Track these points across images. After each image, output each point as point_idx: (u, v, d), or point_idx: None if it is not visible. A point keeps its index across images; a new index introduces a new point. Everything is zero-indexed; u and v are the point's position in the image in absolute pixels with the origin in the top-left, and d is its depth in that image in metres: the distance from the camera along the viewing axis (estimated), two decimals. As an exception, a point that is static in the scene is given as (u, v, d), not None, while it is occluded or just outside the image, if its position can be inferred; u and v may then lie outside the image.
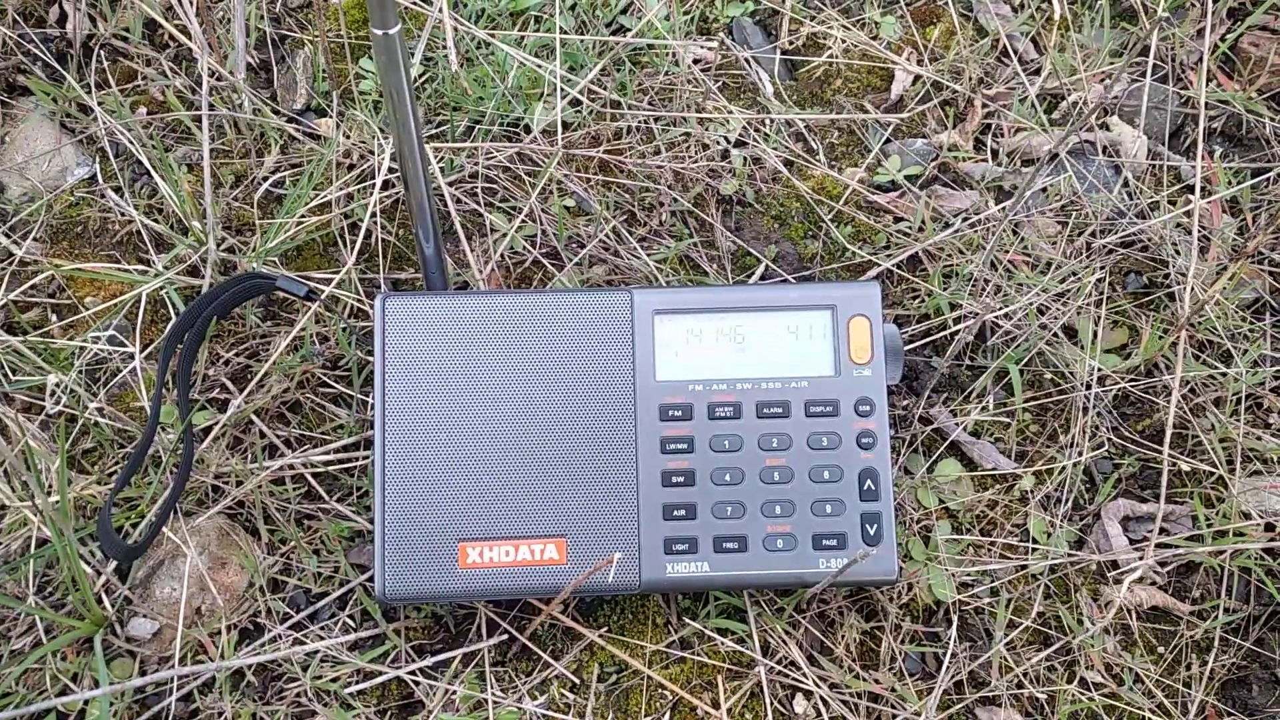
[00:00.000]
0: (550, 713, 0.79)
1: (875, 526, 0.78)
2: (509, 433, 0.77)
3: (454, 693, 0.79)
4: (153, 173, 0.96)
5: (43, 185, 0.98)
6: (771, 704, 0.80)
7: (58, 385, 0.84)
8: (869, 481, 0.78)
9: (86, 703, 0.77)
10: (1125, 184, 1.00)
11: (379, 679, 0.79)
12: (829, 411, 0.79)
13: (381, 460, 0.76)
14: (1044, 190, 1.00)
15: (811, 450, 0.78)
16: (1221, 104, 1.05)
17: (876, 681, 0.80)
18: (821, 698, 0.79)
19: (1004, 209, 0.97)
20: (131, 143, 0.97)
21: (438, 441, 0.77)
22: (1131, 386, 0.91)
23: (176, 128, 1.01)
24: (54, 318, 0.92)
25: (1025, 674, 0.81)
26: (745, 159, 1.00)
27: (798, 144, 1.03)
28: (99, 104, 0.99)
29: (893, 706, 0.80)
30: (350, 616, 0.82)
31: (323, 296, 0.88)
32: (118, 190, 0.97)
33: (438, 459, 0.76)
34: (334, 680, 0.79)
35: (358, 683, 0.79)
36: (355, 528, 0.84)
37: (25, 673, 0.77)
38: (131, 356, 0.89)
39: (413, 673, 0.80)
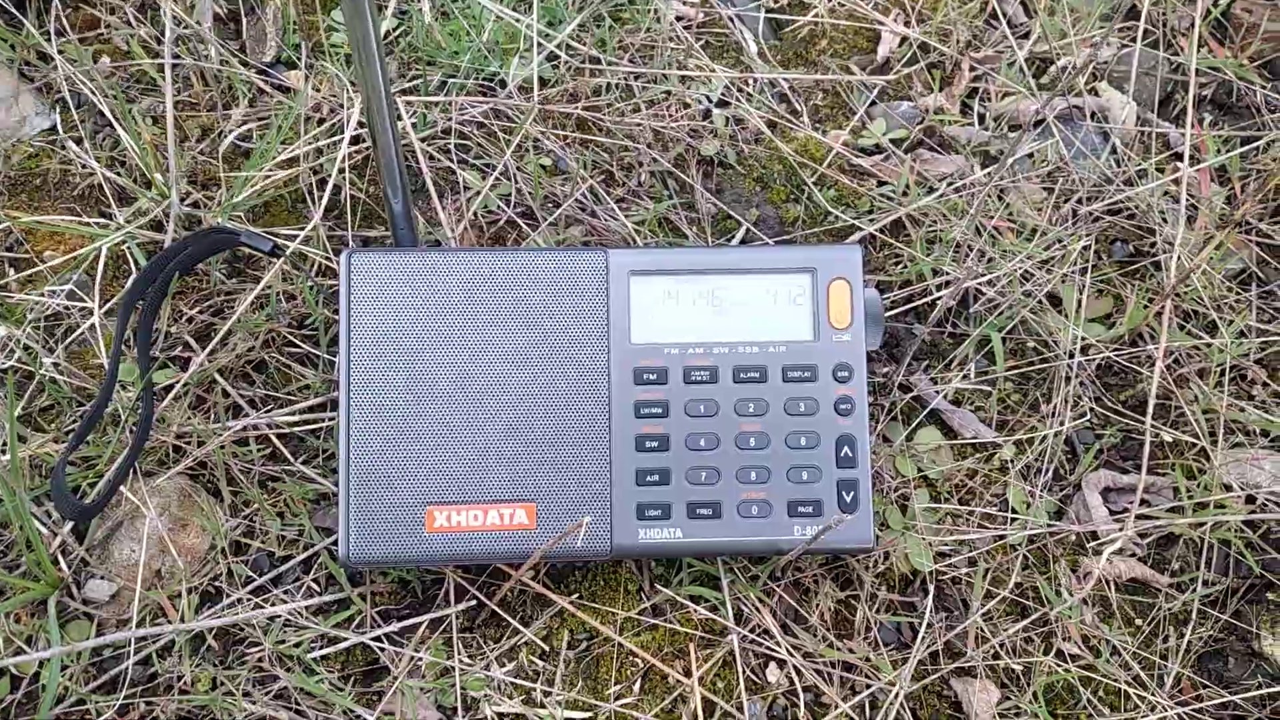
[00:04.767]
0: (519, 680, 0.77)
1: (852, 494, 0.76)
2: (478, 394, 0.75)
3: (420, 659, 0.77)
4: (115, 124, 0.93)
5: (0, 135, 0.95)
6: (744, 673, 0.78)
7: (9, 338, 0.81)
8: (846, 448, 0.76)
9: (41, 665, 0.75)
10: (1113, 150, 0.99)
11: (343, 644, 0.77)
12: (807, 377, 0.77)
13: (346, 421, 0.74)
14: (1030, 156, 0.98)
15: (788, 416, 0.77)
16: (1212, 70, 1.03)
17: (851, 651, 0.79)
18: (795, 667, 0.78)
19: (989, 174, 0.95)
20: (93, 93, 0.94)
21: (404, 402, 0.74)
22: (1115, 356, 0.90)
23: (141, 78, 0.98)
24: (11, 271, 0.89)
25: (1002, 645, 0.80)
26: (727, 119, 0.98)
27: (781, 105, 1.01)
28: (59, 52, 0.95)
29: (867, 676, 0.78)
30: (315, 581, 0.80)
31: (288, 252, 0.85)
32: (79, 141, 0.94)
33: (404, 420, 0.74)
34: (297, 645, 0.77)
35: (321, 648, 0.78)
36: (320, 490, 0.82)
37: (-23, 635, 0.75)
38: (91, 312, 0.86)
39: (378, 638, 0.78)
